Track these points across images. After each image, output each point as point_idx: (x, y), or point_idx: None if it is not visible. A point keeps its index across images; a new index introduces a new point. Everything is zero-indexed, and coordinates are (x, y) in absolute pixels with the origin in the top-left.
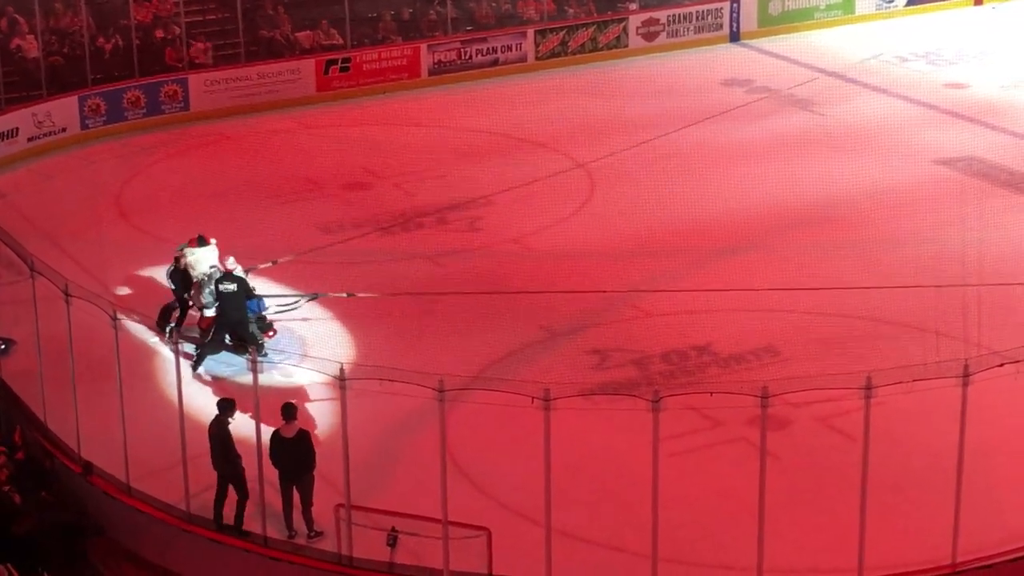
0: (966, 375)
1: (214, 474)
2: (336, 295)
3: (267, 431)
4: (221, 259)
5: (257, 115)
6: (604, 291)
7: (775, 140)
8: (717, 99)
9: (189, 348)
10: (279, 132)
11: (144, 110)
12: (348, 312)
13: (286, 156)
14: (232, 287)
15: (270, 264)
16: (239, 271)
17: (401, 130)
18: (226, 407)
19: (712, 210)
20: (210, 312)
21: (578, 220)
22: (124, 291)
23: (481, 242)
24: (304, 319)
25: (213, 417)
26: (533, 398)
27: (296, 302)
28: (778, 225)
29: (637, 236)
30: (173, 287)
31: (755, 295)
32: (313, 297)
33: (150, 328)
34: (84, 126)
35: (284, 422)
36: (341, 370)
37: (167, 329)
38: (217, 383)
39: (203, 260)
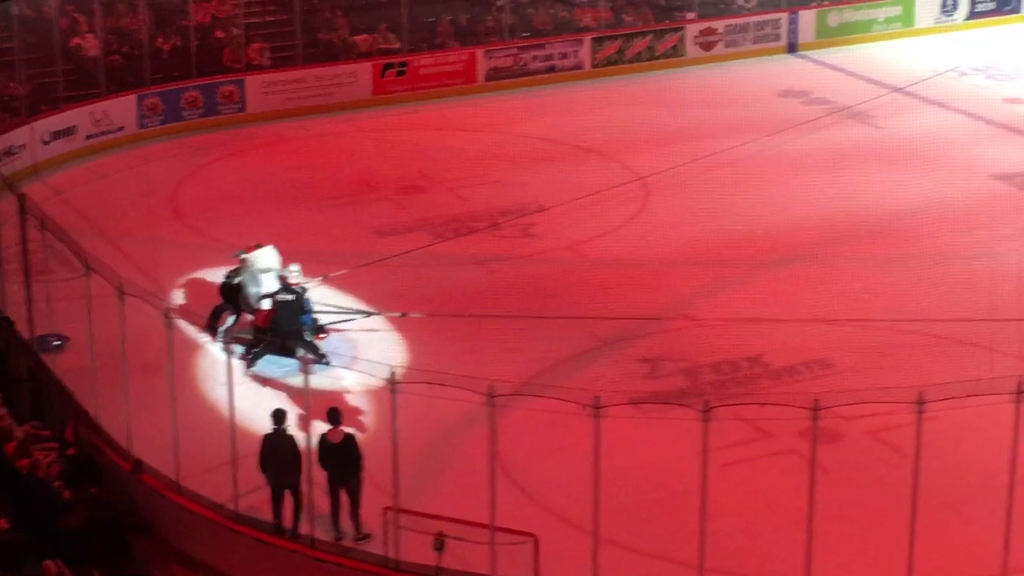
0: (1020, 391)
1: (260, 477)
2: (390, 314)
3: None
4: (284, 266)
5: (313, 117)
6: (657, 317)
7: (831, 152)
8: (773, 110)
9: (240, 349)
10: (334, 135)
11: (201, 110)
12: (399, 318)
13: (341, 159)
14: (289, 298)
15: (321, 279)
16: (295, 275)
17: (456, 135)
18: (285, 417)
19: (766, 221)
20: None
21: (632, 229)
22: (179, 297)
23: (534, 249)
24: (358, 329)
25: (271, 431)
26: (583, 405)
27: (349, 319)
28: (833, 237)
29: (691, 246)
30: (224, 299)
31: (809, 307)
32: (367, 315)
33: (202, 329)
34: (141, 125)
35: (331, 426)
36: (392, 373)
37: (219, 331)
38: (268, 384)
39: (263, 258)
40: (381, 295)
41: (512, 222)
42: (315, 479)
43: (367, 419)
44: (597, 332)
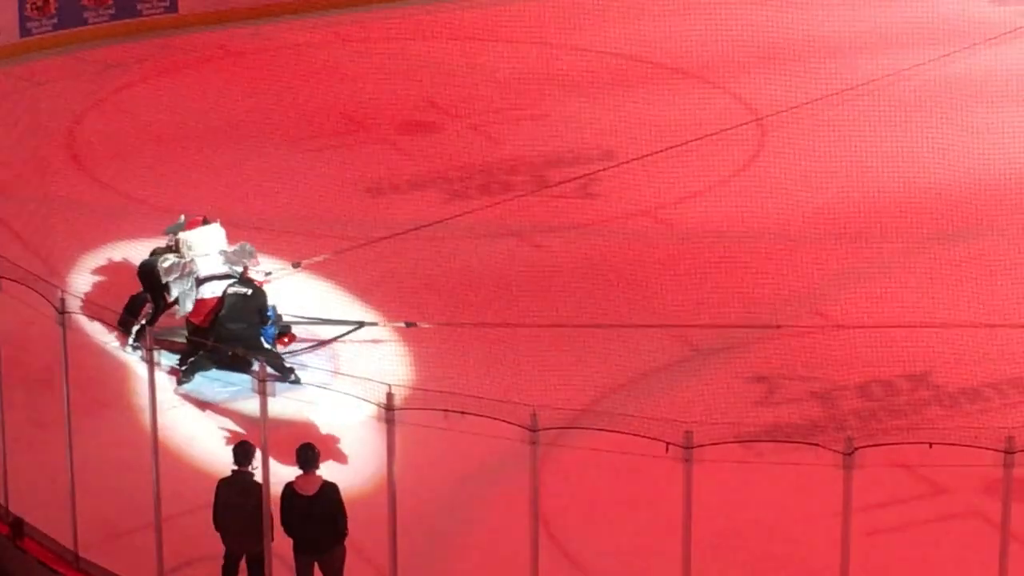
0: None
1: (196, 543)
2: (393, 324)
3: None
4: (244, 257)
5: (276, 21)
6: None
7: None
8: (960, 12)
9: (169, 359)
10: (307, 47)
11: (112, 10)
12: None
13: (317, 82)
14: (245, 291)
15: (293, 267)
16: (258, 268)
17: (484, 47)
18: (249, 455)
19: (938, 178)
20: (188, 308)
21: (741, 187)
22: (79, 284)
23: (598, 215)
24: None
25: (228, 474)
26: (668, 444)
27: (328, 341)
28: None
29: (827, 212)
30: (145, 287)
31: (998, 303)
32: (356, 327)
33: (111, 327)
34: (25, 31)
35: (301, 472)
36: (389, 395)
37: (134, 329)
38: (208, 408)
39: (203, 242)
40: (375, 286)
41: (565, 175)
42: (276, 547)
43: (353, 462)
44: (689, 337)
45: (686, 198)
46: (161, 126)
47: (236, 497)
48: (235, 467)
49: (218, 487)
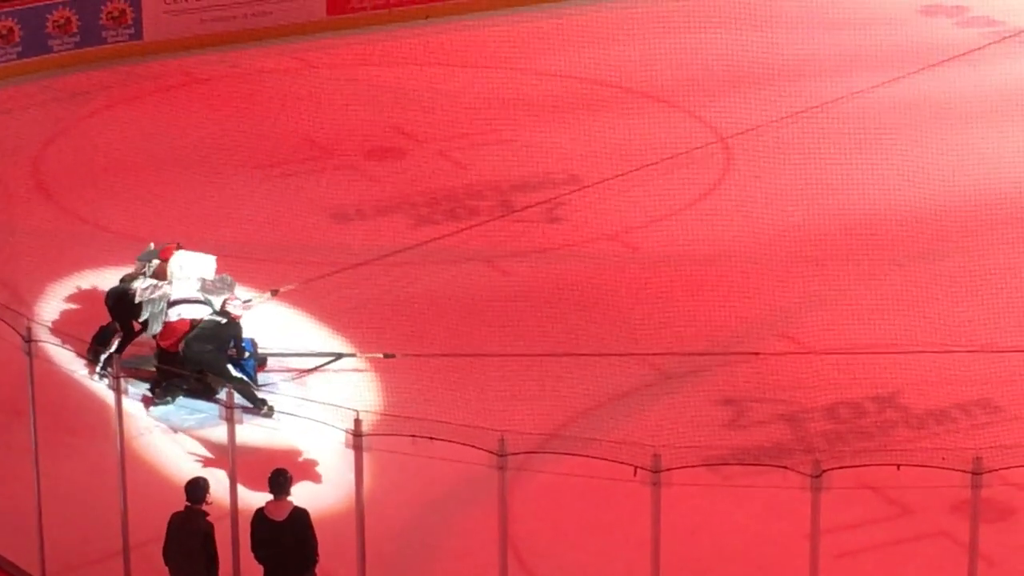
0: None
1: (164, 571)
2: (370, 356)
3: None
4: (223, 289)
5: (242, 47)
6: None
7: (998, 96)
8: (915, 35)
9: (137, 387)
10: (273, 73)
11: (77, 38)
12: (373, 348)
13: (283, 108)
14: (220, 320)
15: (269, 295)
16: (237, 302)
17: (450, 73)
18: (199, 492)
19: (903, 198)
20: (156, 329)
21: (706, 210)
22: (46, 312)
23: (564, 239)
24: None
25: (182, 509)
26: (636, 468)
27: (306, 370)
28: (1002, 222)
29: (792, 234)
30: (114, 315)
31: (965, 324)
32: (335, 359)
33: (80, 356)
34: None
35: (272, 498)
36: (357, 421)
37: (102, 357)
38: (176, 436)
39: (194, 267)
40: (344, 313)
41: (531, 199)
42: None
43: (322, 488)
44: (656, 361)
45: (652, 222)
46: (127, 153)
47: (182, 534)
48: (186, 503)
49: (170, 521)
